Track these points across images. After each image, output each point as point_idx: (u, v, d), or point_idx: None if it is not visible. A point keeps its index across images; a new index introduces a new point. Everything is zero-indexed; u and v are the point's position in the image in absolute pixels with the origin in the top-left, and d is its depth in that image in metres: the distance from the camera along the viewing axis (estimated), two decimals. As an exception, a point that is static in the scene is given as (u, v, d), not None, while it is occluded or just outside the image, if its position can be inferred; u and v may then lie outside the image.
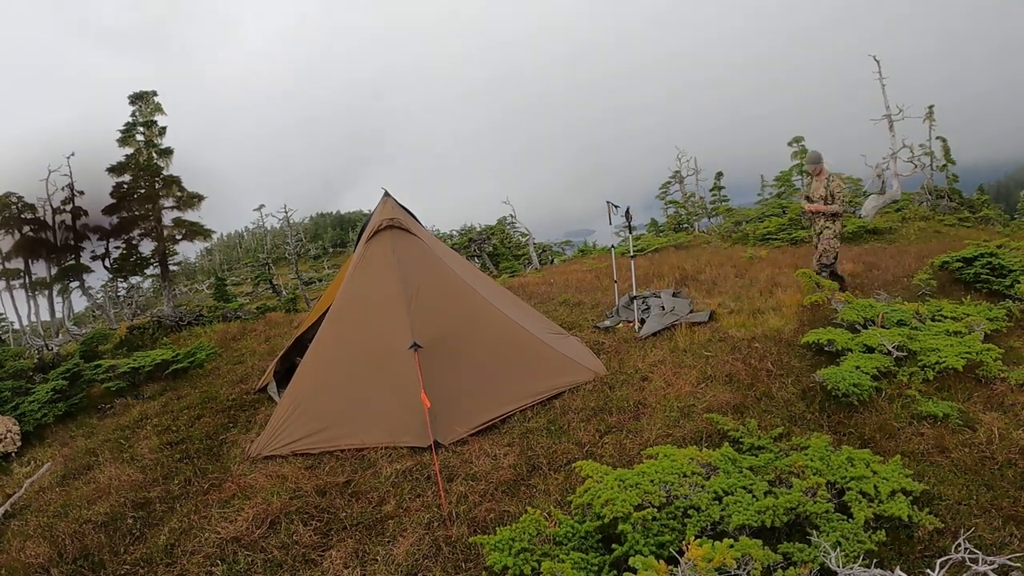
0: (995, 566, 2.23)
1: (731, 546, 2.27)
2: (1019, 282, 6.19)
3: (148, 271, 16.42)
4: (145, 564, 3.47)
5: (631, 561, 2.30)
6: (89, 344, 9.76)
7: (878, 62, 15.93)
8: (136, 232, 14.55)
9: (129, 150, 14.16)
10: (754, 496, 2.84)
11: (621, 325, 6.87)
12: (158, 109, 14.44)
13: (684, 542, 2.38)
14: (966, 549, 2.33)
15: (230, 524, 3.67)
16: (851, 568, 2.34)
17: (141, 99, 14.27)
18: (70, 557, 3.61)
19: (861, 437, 3.79)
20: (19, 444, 6.07)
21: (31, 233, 15.90)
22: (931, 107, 24.85)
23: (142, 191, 14.07)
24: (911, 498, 2.90)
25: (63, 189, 15.63)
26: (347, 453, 4.42)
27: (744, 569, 2.30)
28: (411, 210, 5.98)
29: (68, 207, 15.60)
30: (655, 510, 2.74)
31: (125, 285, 18.90)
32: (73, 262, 15.63)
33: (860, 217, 14.98)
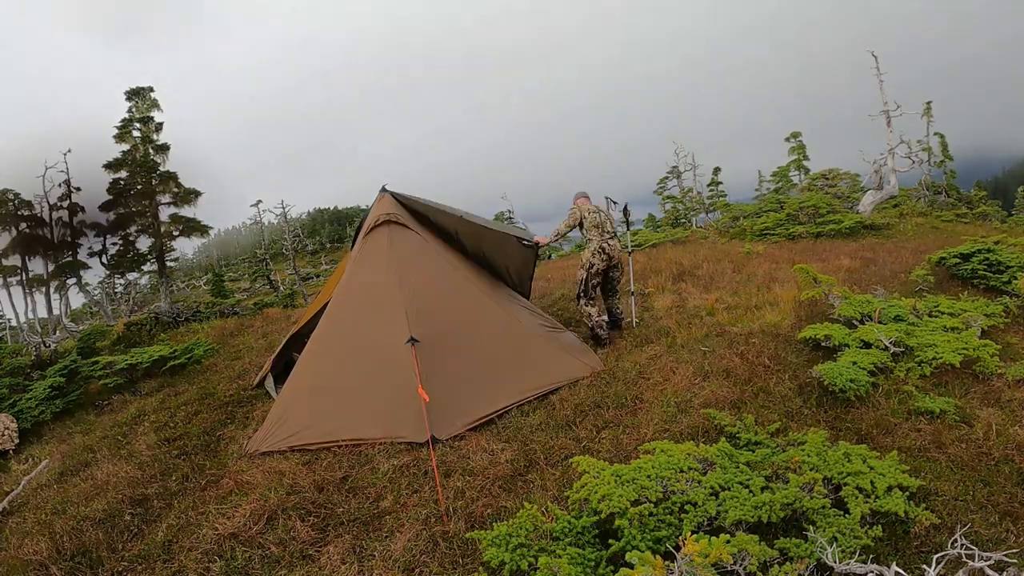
0: (991, 562, 2.23)
1: (727, 541, 2.28)
2: (1016, 278, 6.20)
3: (145, 267, 16.39)
4: (143, 560, 3.47)
5: (628, 556, 2.31)
6: (86, 341, 9.75)
7: (876, 57, 15.89)
8: (133, 228, 14.54)
9: (126, 146, 14.12)
10: (751, 491, 2.85)
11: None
12: (155, 105, 14.40)
13: (680, 537, 2.38)
14: (962, 545, 2.34)
15: (228, 520, 3.67)
16: (847, 563, 2.34)
17: (138, 95, 14.22)
18: (68, 554, 3.61)
19: (858, 433, 3.80)
20: (17, 441, 6.07)
21: (28, 230, 15.85)
22: (929, 103, 24.86)
23: (139, 187, 14.05)
24: (908, 494, 2.90)
25: (60, 185, 15.58)
26: (344, 449, 4.42)
27: (740, 564, 2.31)
28: (420, 199, 5.85)
29: (65, 203, 15.54)
30: (652, 505, 2.75)
31: (122, 281, 18.86)
32: (70, 258, 15.59)
33: (858, 213, 14.98)
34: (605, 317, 6.42)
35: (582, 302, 6.32)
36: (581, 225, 6.37)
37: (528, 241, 6.62)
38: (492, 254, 6.59)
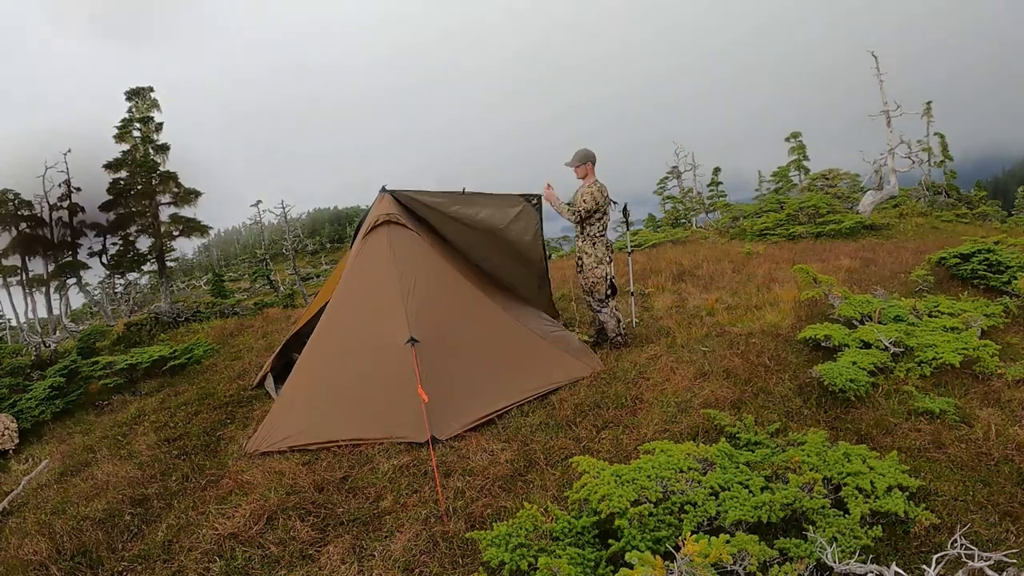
0: (991, 562, 2.23)
1: (727, 541, 2.28)
2: (1016, 278, 6.21)
3: (145, 267, 16.41)
4: (143, 560, 3.47)
5: (627, 556, 2.30)
6: (86, 341, 9.75)
7: (876, 58, 15.91)
8: (133, 228, 14.57)
9: (126, 146, 14.13)
10: (750, 492, 2.85)
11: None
12: (154, 105, 14.40)
13: (680, 537, 2.38)
14: (962, 545, 2.34)
15: (227, 520, 3.67)
16: (847, 563, 2.34)
17: (137, 95, 14.23)
18: (68, 554, 3.60)
19: (858, 433, 3.80)
20: (17, 441, 6.07)
21: (28, 230, 15.86)
22: (929, 103, 24.88)
23: (139, 187, 14.06)
24: (907, 494, 2.90)
25: (60, 185, 15.59)
26: (344, 449, 4.42)
27: (740, 564, 2.31)
28: (421, 195, 5.74)
29: (65, 203, 15.55)
30: (651, 505, 2.75)
31: (122, 281, 18.87)
32: (70, 259, 15.59)
33: (858, 213, 14.98)
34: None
35: (612, 303, 5.90)
36: (592, 212, 5.65)
37: (533, 198, 5.87)
38: (502, 263, 6.32)
